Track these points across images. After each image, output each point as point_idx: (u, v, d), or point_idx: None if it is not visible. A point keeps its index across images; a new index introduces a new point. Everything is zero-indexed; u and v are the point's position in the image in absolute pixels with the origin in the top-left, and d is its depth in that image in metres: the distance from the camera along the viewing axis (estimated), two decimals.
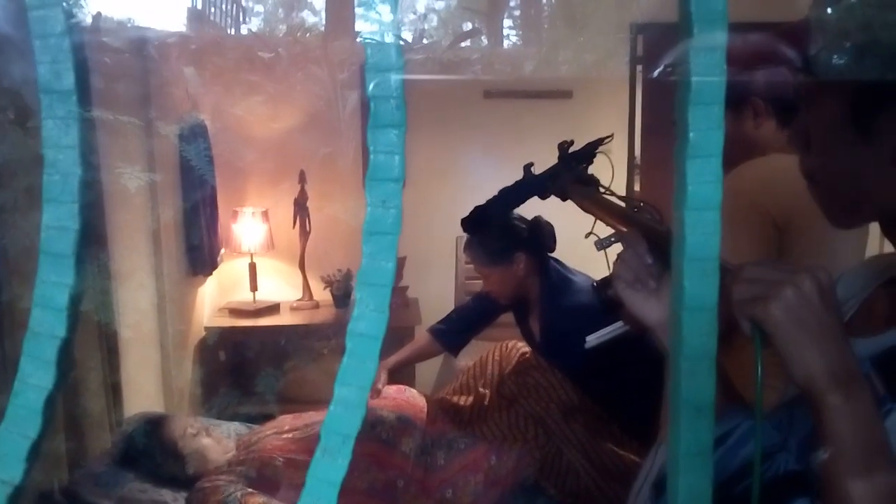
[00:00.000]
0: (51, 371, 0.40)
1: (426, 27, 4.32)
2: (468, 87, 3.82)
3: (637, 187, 3.86)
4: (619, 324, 2.02)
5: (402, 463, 2.12)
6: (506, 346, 2.48)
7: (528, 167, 1.41)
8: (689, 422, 0.43)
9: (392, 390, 2.42)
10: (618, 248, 1.10)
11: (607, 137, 1.38)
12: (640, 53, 3.75)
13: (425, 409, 2.31)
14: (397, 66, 0.38)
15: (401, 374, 2.67)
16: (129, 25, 2.99)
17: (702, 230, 0.42)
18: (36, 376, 0.40)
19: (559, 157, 1.37)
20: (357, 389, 0.41)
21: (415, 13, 4.08)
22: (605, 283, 1.95)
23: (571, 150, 1.38)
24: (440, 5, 4.52)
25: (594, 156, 1.36)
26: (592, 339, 2.08)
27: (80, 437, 2.17)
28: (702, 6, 0.40)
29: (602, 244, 1.87)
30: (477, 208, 1.41)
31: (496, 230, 2.29)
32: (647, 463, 1.64)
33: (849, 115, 0.79)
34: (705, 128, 0.40)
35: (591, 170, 1.50)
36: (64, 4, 0.37)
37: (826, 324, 0.65)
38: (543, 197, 1.39)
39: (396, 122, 0.39)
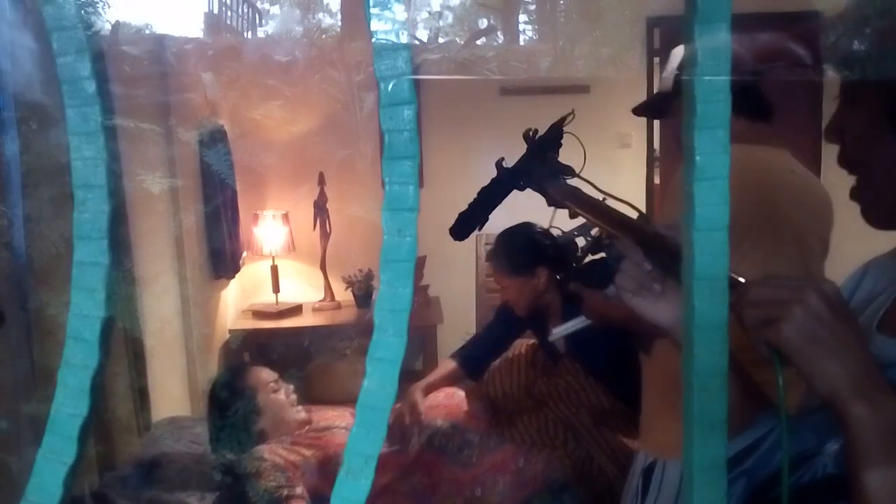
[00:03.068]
0: (85, 399, 0.42)
1: (441, 24, 4.32)
2: (485, 84, 3.82)
3: (657, 180, 3.85)
4: (581, 318, 2.03)
5: (449, 467, 2.14)
6: (531, 346, 2.47)
7: (499, 163, 1.34)
8: (703, 437, 0.44)
9: (441, 396, 2.42)
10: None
11: (568, 115, 1.32)
12: (657, 46, 3.74)
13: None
14: (410, 100, 0.40)
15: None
16: (147, 33, 3.02)
17: (710, 250, 0.43)
18: (70, 405, 0.42)
19: (527, 148, 1.31)
20: (377, 412, 0.43)
21: (430, 11, 4.07)
22: (565, 279, 1.95)
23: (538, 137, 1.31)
24: (455, 2, 4.52)
25: (560, 138, 1.28)
26: (557, 332, 2.11)
27: (109, 441, 2.20)
28: (705, 31, 0.41)
29: (566, 238, 1.84)
30: (460, 215, 1.37)
31: (520, 243, 2.29)
32: (633, 468, 1.66)
33: (888, 115, 0.78)
34: (710, 151, 0.41)
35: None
36: (91, 50, 0.38)
37: (841, 336, 0.64)
38: (521, 189, 1.33)
39: (410, 153, 0.40)
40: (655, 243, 0.94)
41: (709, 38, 0.40)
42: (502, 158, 1.34)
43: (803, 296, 0.64)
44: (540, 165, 1.25)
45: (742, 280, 0.73)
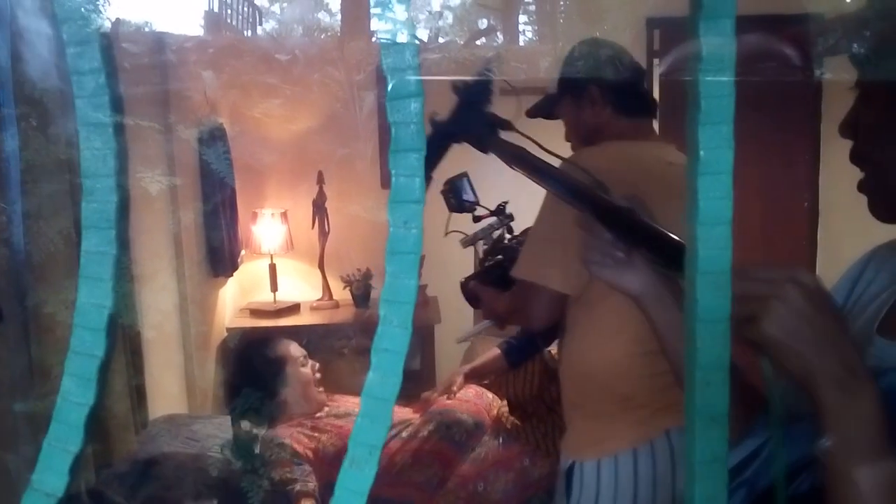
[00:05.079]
0: (91, 388, 0.42)
1: (441, 24, 4.32)
2: None
3: None
4: (486, 322, 2.05)
5: (462, 464, 2.16)
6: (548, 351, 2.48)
7: (431, 117, 1.21)
8: (704, 431, 0.44)
9: (471, 394, 2.44)
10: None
11: (492, 59, 1.26)
12: (657, 47, 3.74)
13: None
14: (416, 92, 0.40)
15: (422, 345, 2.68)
16: (147, 30, 3.02)
17: (713, 244, 0.43)
18: (77, 394, 0.42)
19: (458, 98, 1.22)
20: (382, 402, 0.43)
21: (430, 11, 4.08)
22: (468, 280, 1.98)
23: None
24: (455, 2, 4.52)
25: (489, 85, 1.18)
26: (462, 336, 2.14)
27: (106, 439, 2.19)
28: (710, 28, 0.41)
29: (468, 241, 1.83)
30: None
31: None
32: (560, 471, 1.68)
33: None
34: (714, 146, 0.42)
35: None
36: (100, 41, 0.39)
37: (820, 327, 0.64)
38: (456, 141, 1.23)
39: (417, 146, 0.41)
40: (612, 214, 0.92)
41: (713, 35, 0.40)
42: (435, 112, 1.20)
43: (781, 291, 0.64)
44: (473, 117, 1.17)
45: None
